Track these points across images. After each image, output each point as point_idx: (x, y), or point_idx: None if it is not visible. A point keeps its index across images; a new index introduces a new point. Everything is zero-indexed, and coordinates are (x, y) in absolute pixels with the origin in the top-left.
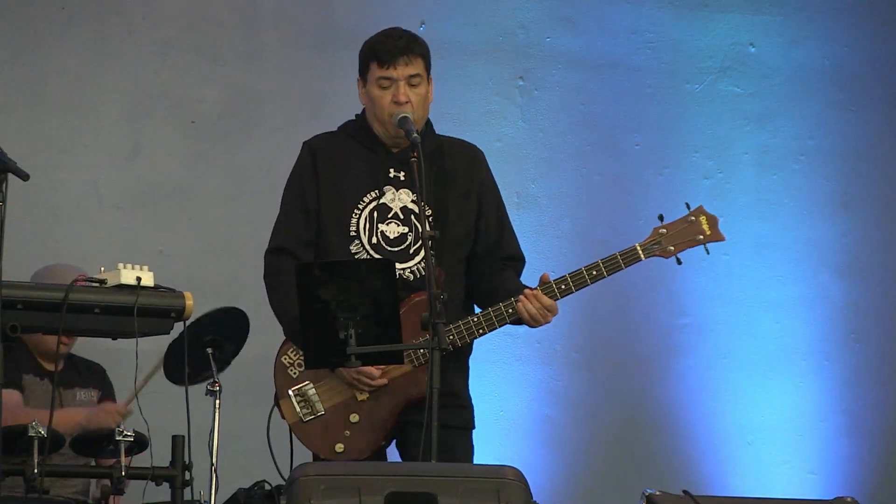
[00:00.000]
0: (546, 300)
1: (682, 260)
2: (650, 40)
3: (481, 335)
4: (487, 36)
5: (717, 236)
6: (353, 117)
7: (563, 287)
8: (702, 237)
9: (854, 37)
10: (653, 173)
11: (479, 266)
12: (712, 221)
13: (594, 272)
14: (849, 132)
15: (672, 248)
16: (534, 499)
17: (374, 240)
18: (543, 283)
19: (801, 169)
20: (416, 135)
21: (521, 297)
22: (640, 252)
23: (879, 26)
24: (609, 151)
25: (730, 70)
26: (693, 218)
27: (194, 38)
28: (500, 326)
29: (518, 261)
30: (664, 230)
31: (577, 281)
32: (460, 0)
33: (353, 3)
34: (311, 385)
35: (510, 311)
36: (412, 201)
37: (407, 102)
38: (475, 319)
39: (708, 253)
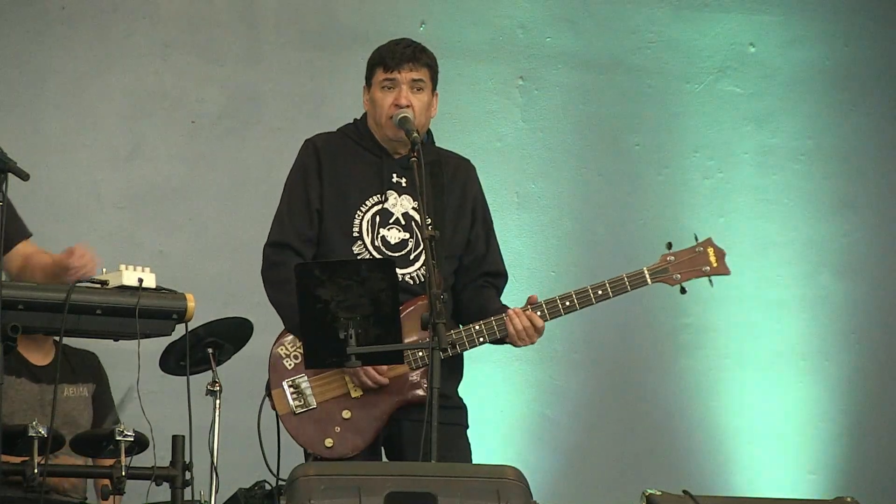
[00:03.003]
0: (538, 321)
1: (686, 289)
2: (650, 40)
3: (482, 343)
4: (487, 36)
5: (722, 270)
6: (352, 121)
7: (567, 304)
8: (708, 269)
9: (854, 37)
10: (653, 173)
11: (461, 278)
12: (719, 254)
13: (599, 292)
14: (849, 132)
15: (678, 276)
16: (534, 499)
17: (376, 243)
18: (532, 303)
19: (801, 169)
20: (416, 135)
21: (510, 312)
22: (648, 277)
23: (879, 26)
24: (609, 151)
25: (730, 70)
26: (701, 249)
27: (194, 38)
28: (481, 344)
29: (500, 276)
30: (672, 257)
31: (583, 300)
32: (460, 0)
33: (354, 3)
34: (306, 378)
35: (500, 325)
36: (413, 208)
37: (408, 106)
38: (476, 328)
39: (712, 285)
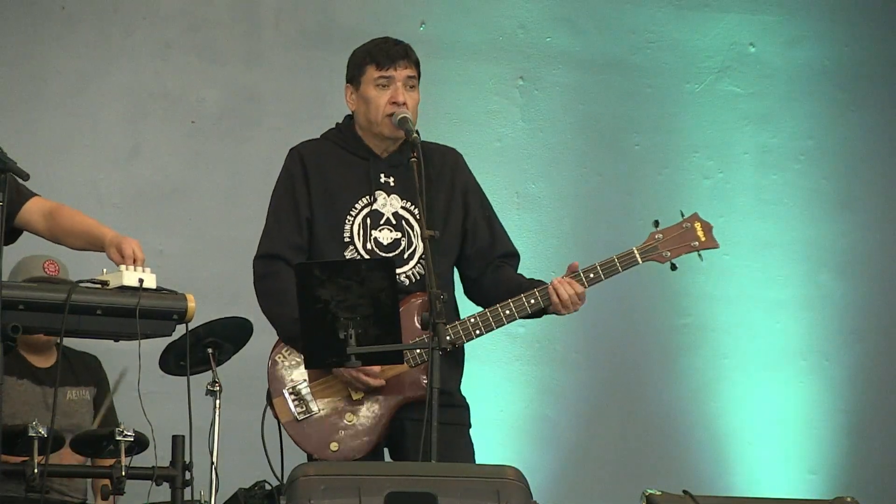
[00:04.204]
0: (578, 287)
1: (676, 265)
2: (650, 40)
3: (499, 326)
4: (487, 36)
5: (711, 243)
6: (335, 125)
7: None
8: (696, 244)
9: (854, 37)
10: (653, 173)
11: (473, 268)
12: (706, 228)
13: (592, 275)
14: (849, 132)
15: (668, 253)
16: (534, 499)
17: (369, 246)
18: (572, 271)
19: (801, 169)
20: (415, 134)
21: (555, 281)
22: (638, 256)
23: (879, 26)
24: (609, 151)
25: (730, 70)
26: (688, 224)
27: (194, 38)
28: (522, 317)
29: (514, 257)
30: (660, 235)
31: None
32: (460, 0)
33: (353, 3)
34: (306, 384)
35: (538, 297)
36: (403, 207)
37: (404, 103)
38: (494, 313)
39: (702, 259)
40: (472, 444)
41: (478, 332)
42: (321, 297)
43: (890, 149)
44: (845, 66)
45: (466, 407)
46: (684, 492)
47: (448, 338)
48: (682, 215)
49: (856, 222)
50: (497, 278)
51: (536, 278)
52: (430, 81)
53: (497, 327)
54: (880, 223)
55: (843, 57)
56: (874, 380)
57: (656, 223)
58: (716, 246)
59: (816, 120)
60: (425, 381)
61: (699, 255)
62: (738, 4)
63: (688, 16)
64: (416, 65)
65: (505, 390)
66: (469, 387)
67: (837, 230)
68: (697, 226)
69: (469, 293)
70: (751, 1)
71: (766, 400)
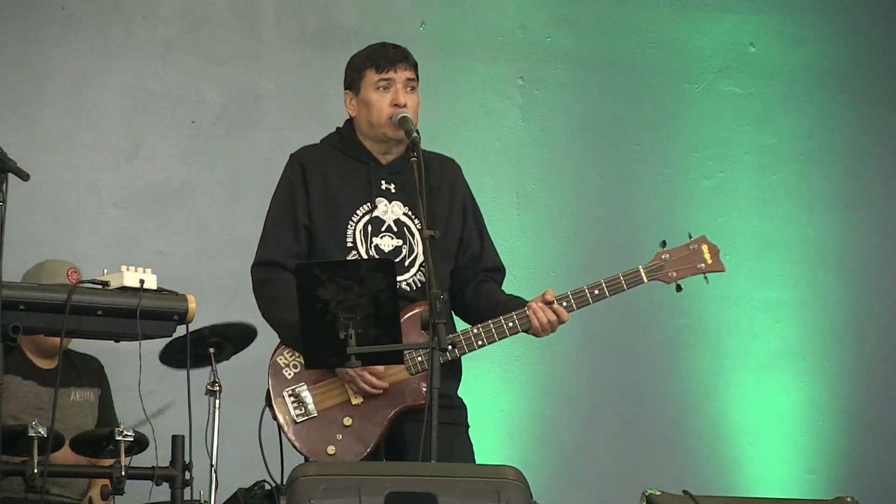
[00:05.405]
0: (564, 314)
1: (682, 287)
2: (650, 40)
3: (480, 346)
4: (487, 36)
5: (717, 266)
6: (335, 129)
7: (563, 304)
8: (703, 266)
9: (854, 37)
10: (653, 173)
11: (459, 278)
12: (714, 251)
13: (596, 291)
14: (849, 132)
15: (674, 273)
16: (534, 499)
17: (371, 252)
18: (547, 301)
19: (801, 169)
20: (416, 134)
21: (534, 306)
22: (644, 275)
23: (879, 26)
24: (609, 151)
25: (730, 70)
26: (695, 246)
27: (194, 38)
28: (500, 339)
29: (498, 272)
30: (667, 255)
31: (579, 299)
32: (460, 0)
33: (353, 3)
34: (306, 386)
35: (521, 320)
36: (404, 214)
37: (405, 105)
38: (475, 331)
39: (707, 282)
40: (470, 444)
41: (479, 342)
42: (321, 297)
43: (890, 149)
44: (845, 66)
45: (464, 407)
46: (684, 492)
47: (448, 339)
48: (690, 237)
49: (856, 222)
50: (478, 291)
51: (534, 279)
52: (430, 81)
53: (499, 339)
54: (880, 223)
55: (843, 57)
56: (874, 380)
57: (663, 243)
58: (722, 269)
59: (816, 120)
60: (425, 388)
61: (705, 277)
62: (738, 4)
63: (688, 16)
64: (415, 67)
65: (505, 390)
66: (469, 386)
67: (837, 230)
68: (705, 248)
69: (451, 304)
70: (751, 1)
71: (766, 400)
